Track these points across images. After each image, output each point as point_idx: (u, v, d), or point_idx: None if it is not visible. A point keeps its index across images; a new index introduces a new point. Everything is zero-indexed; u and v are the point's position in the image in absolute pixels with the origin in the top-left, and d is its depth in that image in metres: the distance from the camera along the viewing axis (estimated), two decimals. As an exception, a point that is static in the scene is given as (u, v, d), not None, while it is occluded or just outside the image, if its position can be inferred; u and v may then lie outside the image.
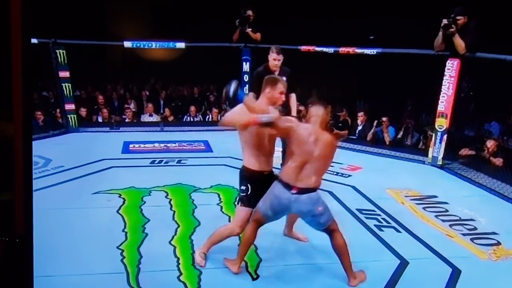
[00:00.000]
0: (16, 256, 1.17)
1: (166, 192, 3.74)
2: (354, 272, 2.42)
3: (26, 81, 1.11)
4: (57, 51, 5.93)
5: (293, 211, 2.36)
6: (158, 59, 9.72)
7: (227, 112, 2.48)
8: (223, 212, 3.34)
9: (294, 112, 4.03)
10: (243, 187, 2.49)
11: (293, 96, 4.00)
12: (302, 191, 2.29)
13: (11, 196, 1.15)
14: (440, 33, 4.47)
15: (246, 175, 2.48)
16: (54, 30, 5.93)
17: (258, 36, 6.15)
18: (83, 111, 6.72)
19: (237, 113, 2.39)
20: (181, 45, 6.23)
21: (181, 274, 2.48)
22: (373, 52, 5.14)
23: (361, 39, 6.22)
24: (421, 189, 4.00)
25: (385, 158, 5.17)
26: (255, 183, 2.45)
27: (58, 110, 6.43)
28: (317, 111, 2.41)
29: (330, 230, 2.39)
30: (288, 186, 2.30)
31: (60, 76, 6.02)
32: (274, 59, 3.91)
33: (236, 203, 2.62)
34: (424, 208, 3.58)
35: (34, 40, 5.64)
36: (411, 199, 3.76)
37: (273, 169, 2.55)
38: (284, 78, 3.90)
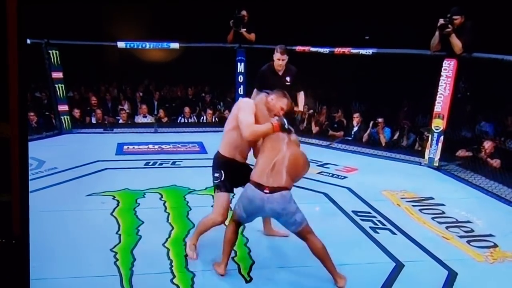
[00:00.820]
0: (13, 258, 1.19)
1: (160, 194, 3.75)
2: (339, 273, 2.42)
3: (22, 82, 1.14)
4: (50, 51, 5.92)
5: (266, 211, 2.34)
6: (152, 60, 9.73)
7: (243, 121, 2.45)
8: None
9: (301, 108, 4.14)
10: (216, 174, 2.58)
11: (301, 94, 4.08)
12: (275, 190, 2.29)
13: (8, 197, 1.17)
14: (437, 33, 4.50)
15: (220, 161, 2.58)
16: (47, 31, 5.92)
17: (252, 36, 6.17)
18: (76, 112, 6.71)
19: (252, 122, 2.45)
20: (175, 45, 6.24)
21: (174, 276, 2.49)
22: (369, 52, 5.18)
23: (357, 39, 6.27)
24: (417, 190, 4.03)
25: (381, 159, 5.20)
26: (228, 169, 2.55)
27: (51, 111, 6.42)
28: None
29: (305, 234, 2.37)
30: (260, 187, 2.30)
31: (53, 77, 6.01)
32: (278, 59, 3.94)
33: (214, 192, 2.65)
34: (420, 210, 3.60)
35: (26, 41, 5.63)
36: (407, 201, 3.78)
37: (248, 163, 2.65)
38: (288, 78, 4.00)
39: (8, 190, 1.16)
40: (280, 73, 4.03)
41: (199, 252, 2.71)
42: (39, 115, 6.38)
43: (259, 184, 2.32)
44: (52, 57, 5.95)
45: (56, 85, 6.06)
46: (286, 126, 2.44)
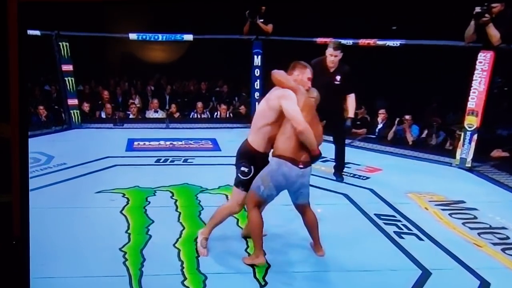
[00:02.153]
0: (13, 258, 1.23)
1: (171, 192, 3.79)
2: (320, 243, 2.72)
3: (23, 85, 1.19)
4: (60, 43, 6.05)
5: (297, 185, 2.56)
6: (164, 52, 9.84)
7: (296, 115, 2.50)
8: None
9: (351, 114, 4.04)
10: (245, 169, 2.59)
11: (351, 97, 4.00)
12: (307, 164, 2.52)
13: (9, 198, 1.22)
14: (472, 23, 4.36)
15: (252, 156, 2.59)
16: (57, 22, 6.06)
17: (270, 28, 6.16)
18: (86, 107, 6.84)
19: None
20: (189, 37, 6.30)
21: (185, 279, 2.52)
22: (396, 44, 5.09)
23: (383, 30, 6.14)
24: (447, 193, 3.95)
25: (407, 159, 5.12)
26: (260, 166, 2.58)
27: (60, 105, 6.56)
28: (313, 93, 2.70)
29: (307, 206, 2.66)
30: (295, 162, 2.48)
31: (63, 70, 6.15)
32: (331, 55, 3.91)
33: (235, 185, 2.68)
34: (450, 214, 3.54)
35: (36, 32, 5.78)
36: (435, 204, 3.72)
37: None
38: (338, 77, 3.95)
39: (9, 191, 1.21)
40: (331, 70, 3.99)
41: (210, 251, 2.74)
42: (49, 109, 6.53)
43: (294, 159, 2.47)
44: (62, 49, 6.08)
45: (66, 79, 6.20)
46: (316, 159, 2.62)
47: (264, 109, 2.61)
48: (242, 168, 2.60)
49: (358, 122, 6.33)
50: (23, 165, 1.22)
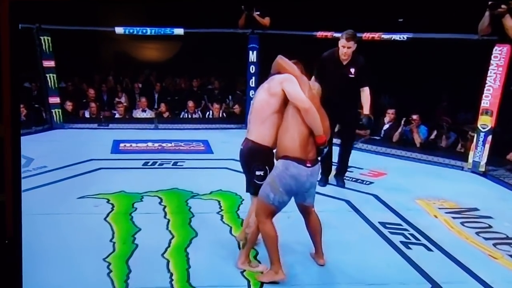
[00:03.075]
0: (5, 258, 1.35)
1: (160, 197, 3.76)
2: (321, 251, 2.74)
3: (15, 84, 1.23)
4: (42, 37, 6.01)
5: (307, 185, 2.53)
6: (153, 48, 9.80)
7: (299, 95, 2.47)
8: (223, 222, 3.34)
9: (367, 110, 3.99)
10: (260, 172, 2.52)
11: (365, 91, 3.96)
12: (314, 162, 2.50)
13: (1, 197, 1.31)
14: (487, 14, 4.32)
15: (264, 154, 2.52)
16: (38, 14, 6.01)
17: (267, 21, 6.15)
18: (69, 105, 6.79)
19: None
20: (179, 31, 6.26)
21: (175, 291, 2.48)
22: (403, 37, 5.06)
23: (388, 23, 6.13)
24: (459, 200, 3.94)
25: (415, 162, 5.12)
26: (272, 164, 2.53)
27: (41, 104, 6.50)
28: (315, 86, 2.75)
29: (312, 209, 2.67)
30: (302, 161, 2.44)
31: (44, 65, 6.11)
32: (343, 46, 3.90)
33: (251, 193, 2.66)
34: (462, 223, 3.51)
35: (15, 25, 5.73)
36: (446, 212, 3.70)
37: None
38: (352, 70, 3.93)
39: (1, 191, 1.30)
40: (344, 63, 3.98)
41: (202, 262, 2.70)
42: (28, 107, 6.47)
43: (300, 159, 2.44)
44: (43, 43, 6.04)
45: (47, 75, 6.15)
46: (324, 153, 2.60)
47: (265, 98, 2.53)
48: (257, 173, 2.52)
49: (361, 122, 6.31)
50: (15, 165, 1.26)
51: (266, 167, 2.52)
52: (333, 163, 4.37)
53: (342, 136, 4.35)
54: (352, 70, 3.95)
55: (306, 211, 2.69)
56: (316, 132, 2.47)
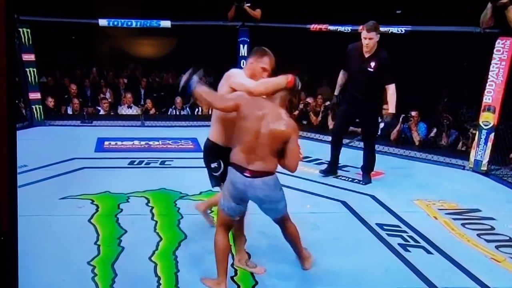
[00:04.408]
0: (1, 254, 1.37)
1: (147, 198, 3.75)
2: (305, 254, 2.72)
3: (11, 79, 1.27)
4: (20, 29, 5.93)
5: (249, 196, 2.44)
6: (139, 41, 9.76)
7: (245, 82, 2.51)
8: (214, 224, 3.34)
9: (392, 109, 4.02)
10: (214, 165, 2.66)
11: (391, 88, 3.99)
12: (255, 175, 2.38)
13: None
14: (489, 5, 4.33)
15: (216, 151, 2.64)
16: (16, 5, 5.93)
17: (258, 13, 6.14)
18: (50, 101, 6.75)
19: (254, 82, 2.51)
20: (166, 23, 6.22)
21: (163, 296, 2.48)
22: (401, 30, 5.06)
23: (386, 15, 6.16)
24: (460, 200, 3.97)
25: (414, 161, 5.15)
26: (225, 159, 2.55)
27: (21, 100, 6.43)
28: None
29: (284, 221, 2.58)
30: (240, 169, 2.40)
31: (23, 59, 6.02)
32: (364, 38, 3.95)
33: (212, 186, 2.79)
34: (463, 224, 3.53)
35: (-8, 16, 5.65)
36: (446, 213, 3.72)
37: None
38: (373, 64, 3.96)
39: None
40: (366, 55, 4.02)
41: (191, 265, 2.71)
42: (6, 103, 6.40)
43: (240, 166, 2.40)
44: (22, 36, 5.95)
45: (27, 69, 6.07)
46: (299, 87, 2.47)
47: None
48: (212, 165, 2.68)
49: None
50: (11, 160, 1.29)
51: (220, 160, 2.64)
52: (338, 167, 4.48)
53: (363, 133, 4.46)
54: (372, 64, 4.00)
55: (277, 223, 2.62)
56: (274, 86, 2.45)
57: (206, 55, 8.26)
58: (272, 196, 2.43)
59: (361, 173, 4.46)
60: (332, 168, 4.54)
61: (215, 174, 2.68)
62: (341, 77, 4.36)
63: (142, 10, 8.09)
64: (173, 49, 9.23)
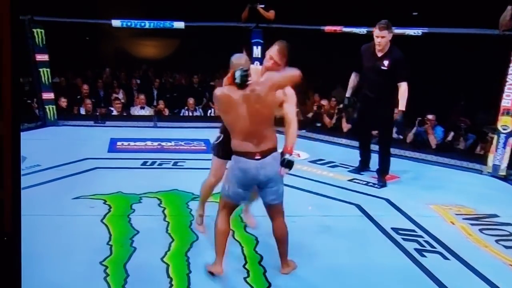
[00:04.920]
0: (4, 255, 1.40)
1: (159, 199, 3.78)
2: (288, 260, 2.75)
3: (16, 80, 1.32)
4: (34, 30, 6.03)
5: (260, 178, 2.58)
6: (152, 42, 9.85)
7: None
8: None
9: (402, 106, 4.03)
10: (217, 135, 2.99)
11: (402, 86, 4.00)
12: (265, 154, 2.55)
13: (1, 195, 1.37)
14: (509, 7, 4.32)
15: (224, 125, 2.83)
16: (31, 5, 6.04)
17: (272, 14, 6.16)
18: (63, 102, 6.84)
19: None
20: (179, 25, 6.28)
21: (175, 297, 2.50)
22: (418, 32, 5.04)
23: (402, 17, 6.12)
24: (477, 205, 3.93)
25: (430, 165, 5.11)
26: (227, 134, 2.72)
27: (34, 100, 6.54)
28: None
29: (278, 211, 2.67)
30: (250, 155, 2.54)
31: (37, 59, 6.12)
32: (377, 36, 3.99)
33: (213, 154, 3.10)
34: (480, 230, 3.50)
35: (7, 17, 5.76)
36: (463, 218, 3.69)
37: None
38: (386, 62, 3.99)
39: (0, 187, 1.36)
40: (379, 54, 4.05)
41: (203, 267, 2.73)
42: (21, 103, 6.50)
43: (248, 152, 2.55)
44: (36, 36, 6.06)
45: (40, 69, 6.18)
46: (237, 80, 2.51)
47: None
48: (217, 135, 3.01)
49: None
50: (15, 161, 1.32)
51: (222, 134, 2.92)
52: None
53: (378, 134, 4.48)
54: (386, 63, 4.01)
55: (271, 214, 2.69)
56: None
57: (219, 56, 8.30)
58: (277, 173, 2.59)
59: (376, 176, 4.43)
60: (361, 167, 4.63)
61: (214, 142, 3.01)
62: (352, 79, 4.38)
63: (154, 11, 8.16)
64: (185, 50, 9.29)
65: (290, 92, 2.74)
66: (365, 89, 4.22)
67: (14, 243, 1.41)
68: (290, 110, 2.69)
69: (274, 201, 2.63)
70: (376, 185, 4.35)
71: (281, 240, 2.69)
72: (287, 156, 2.59)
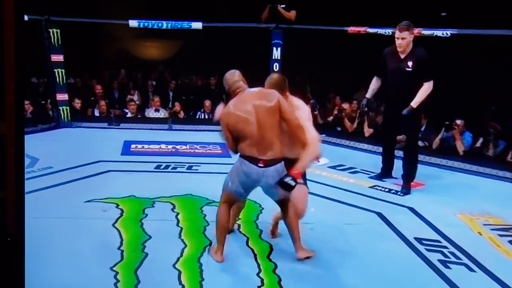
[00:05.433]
0: (7, 256, 1.41)
1: (172, 204, 3.80)
2: (302, 245, 2.90)
3: (19, 79, 1.33)
4: (50, 30, 6.18)
5: (261, 184, 2.80)
6: (169, 42, 9.97)
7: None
8: (240, 232, 3.36)
9: (414, 103, 4.01)
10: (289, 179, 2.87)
11: (424, 86, 4.01)
12: (268, 164, 2.73)
13: (3, 194, 1.38)
14: None
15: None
16: (47, 5, 6.19)
17: (293, 14, 6.16)
18: (77, 103, 6.97)
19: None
20: (197, 25, 6.34)
21: (186, 305, 2.52)
22: (446, 34, 5.00)
23: (430, 17, 6.04)
24: (507, 215, 3.86)
25: (457, 172, 5.05)
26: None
27: (48, 101, 6.69)
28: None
29: (287, 200, 2.81)
30: (254, 160, 2.73)
31: (52, 60, 6.27)
32: (397, 38, 4.03)
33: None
34: (510, 241, 3.44)
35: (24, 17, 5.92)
36: (491, 229, 3.63)
37: None
38: (410, 63, 4.01)
39: (4, 187, 1.38)
40: (402, 56, 4.07)
41: (216, 274, 2.74)
42: (35, 104, 6.66)
43: (253, 157, 2.73)
44: (52, 36, 6.21)
45: (56, 70, 6.32)
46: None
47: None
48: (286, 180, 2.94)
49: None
50: (18, 161, 1.37)
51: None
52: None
53: (405, 138, 4.47)
54: (410, 64, 4.01)
55: (280, 204, 2.90)
56: None
57: (237, 58, 8.32)
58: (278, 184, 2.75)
59: (400, 182, 4.39)
60: (383, 173, 4.63)
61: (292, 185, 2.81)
62: (373, 83, 4.41)
63: (172, 11, 8.26)
64: (202, 52, 9.36)
65: (301, 105, 2.90)
66: (390, 91, 4.20)
67: (17, 244, 1.42)
68: (310, 129, 2.82)
69: (279, 197, 2.84)
70: (399, 193, 4.30)
71: (293, 225, 2.87)
72: (288, 179, 2.69)
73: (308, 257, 2.89)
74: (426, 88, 3.99)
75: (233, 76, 2.87)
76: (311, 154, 2.79)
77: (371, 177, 4.67)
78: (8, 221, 1.38)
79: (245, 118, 2.70)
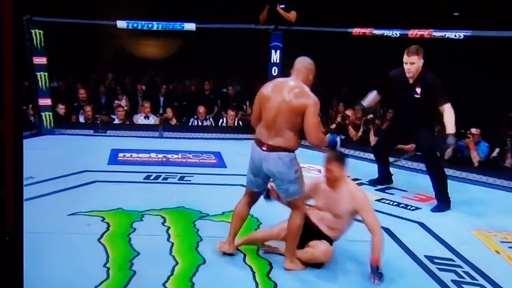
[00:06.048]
0: (6, 255, 1.50)
1: (163, 217, 3.78)
2: (293, 258, 2.98)
3: (17, 77, 1.40)
4: (33, 30, 6.18)
5: (264, 169, 2.91)
6: (160, 45, 10.01)
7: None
8: (237, 248, 3.32)
9: (451, 129, 4.03)
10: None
11: (446, 108, 4.03)
12: (272, 149, 2.84)
13: (1, 193, 1.46)
14: None
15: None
16: (29, 5, 6.19)
17: (293, 15, 6.19)
18: (61, 108, 6.96)
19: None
20: (190, 26, 6.36)
21: (178, 328, 2.48)
22: (459, 35, 5.01)
23: (441, 18, 6.08)
24: (527, 233, 3.86)
25: (472, 185, 5.06)
26: None
27: (30, 106, 6.67)
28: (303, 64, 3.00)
29: (293, 206, 2.96)
30: (260, 143, 2.90)
31: (34, 62, 6.26)
32: (405, 63, 4.06)
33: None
34: (530, 260, 3.44)
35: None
36: (510, 247, 3.63)
37: None
38: (418, 90, 4.06)
39: (2, 186, 1.45)
40: (411, 81, 4.11)
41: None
42: (15, 110, 6.63)
43: (259, 140, 2.90)
44: (34, 37, 6.20)
45: (38, 73, 6.31)
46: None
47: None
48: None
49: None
50: (17, 160, 1.47)
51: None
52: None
53: (424, 163, 4.50)
54: (418, 90, 4.06)
55: (290, 207, 3.00)
56: None
57: (233, 62, 8.35)
58: (283, 174, 2.86)
59: (409, 196, 4.46)
60: (381, 179, 4.70)
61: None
62: (374, 95, 4.53)
63: (164, 11, 8.31)
64: (196, 55, 9.40)
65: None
66: (399, 115, 4.27)
67: (16, 243, 1.50)
68: (373, 214, 3.13)
69: (286, 198, 2.97)
70: (409, 207, 4.29)
71: (292, 234, 2.95)
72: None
73: (292, 270, 2.98)
74: (449, 111, 4.01)
75: (302, 62, 3.00)
76: (380, 240, 2.98)
77: (377, 190, 4.66)
78: (7, 220, 1.45)
79: (272, 100, 2.84)
